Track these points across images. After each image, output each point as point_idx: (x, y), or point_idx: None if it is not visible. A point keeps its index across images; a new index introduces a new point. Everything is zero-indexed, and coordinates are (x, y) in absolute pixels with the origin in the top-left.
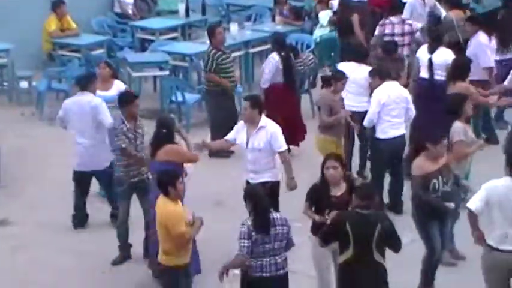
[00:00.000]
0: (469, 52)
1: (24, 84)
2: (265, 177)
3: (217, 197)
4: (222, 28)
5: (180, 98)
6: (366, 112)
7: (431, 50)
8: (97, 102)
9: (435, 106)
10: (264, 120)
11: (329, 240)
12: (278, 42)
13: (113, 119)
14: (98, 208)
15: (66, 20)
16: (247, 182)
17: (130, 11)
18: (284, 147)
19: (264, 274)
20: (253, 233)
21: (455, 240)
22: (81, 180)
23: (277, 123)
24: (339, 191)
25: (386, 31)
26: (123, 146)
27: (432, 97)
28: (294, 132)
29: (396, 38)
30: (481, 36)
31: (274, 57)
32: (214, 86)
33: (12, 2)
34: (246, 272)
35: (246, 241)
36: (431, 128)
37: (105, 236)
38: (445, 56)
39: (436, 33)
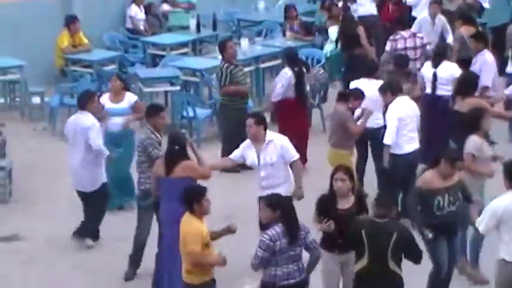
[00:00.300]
0: (473, 69)
1: (36, 99)
2: (281, 191)
3: (227, 210)
4: (233, 43)
5: (191, 113)
6: (379, 128)
7: (435, 65)
8: (88, 124)
9: (438, 121)
10: (270, 134)
11: (347, 250)
12: (291, 57)
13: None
14: (107, 223)
15: (79, 36)
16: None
17: (141, 27)
18: (296, 156)
19: (291, 281)
20: (278, 242)
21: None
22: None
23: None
24: (346, 203)
25: (399, 46)
26: (157, 155)
27: (435, 112)
28: (303, 147)
29: (408, 52)
30: (487, 55)
31: (287, 72)
32: (227, 100)
33: (24, 18)
34: (274, 284)
35: (264, 252)
36: (443, 143)
37: (116, 252)
38: (450, 70)
39: (441, 49)
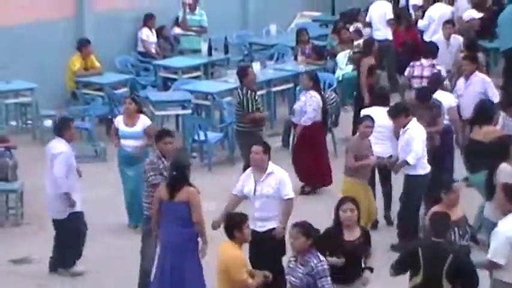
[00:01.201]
0: (469, 90)
1: (48, 122)
2: (273, 224)
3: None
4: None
5: (202, 137)
6: (389, 157)
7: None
8: (56, 152)
9: (440, 152)
10: (272, 166)
11: (400, 269)
12: (317, 80)
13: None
14: (110, 244)
15: (91, 59)
16: (253, 232)
17: (153, 50)
18: (291, 194)
19: None
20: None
21: None
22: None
23: (307, 162)
24: (352, 235)
25: (415, 73)
26: (155, 182)
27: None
28: (326, 172)
29: (423, 81)
30: (481, 74)
31: (316, 96)
32: (251, 126)
33: (36, 41)
34: None
35: (329, 279)
36: (440, 175)
37: (126, 275)
38: (444, 100)
39: (434, 77)
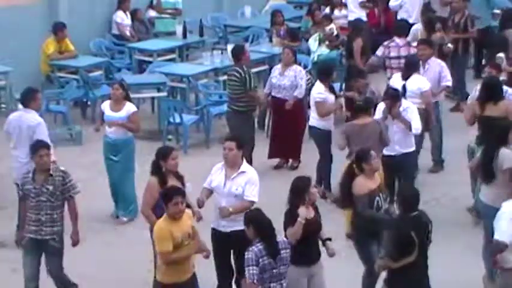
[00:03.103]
0: (427, 74)
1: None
2: (240, 226)
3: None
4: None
5: (177, 119)
6: (407, 154)
7: (406, 77)
8: (35, 122)
9: None
10: (246, 165)
11: (402, 254)
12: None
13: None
14: (96, 230)
15: (65, 43)
16: (214, 230)
17: (128, 33)
18: (253, 198)
19: None
20: (261, 259)
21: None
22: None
23: (288, 137)
24: (311, 213)
25: (392, 54)
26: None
27: None
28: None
29: (402, 61)
30: (437, 60)
31: (302, 71)
32: (245, 106)
33: (10, 24)
34: None
35: (254, 267)
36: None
37: (102, 259)
38: (419, 83)
39: (411, 60)
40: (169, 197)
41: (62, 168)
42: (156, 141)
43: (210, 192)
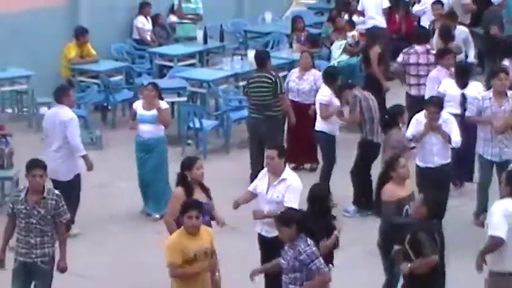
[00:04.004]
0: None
1: (44, 110)
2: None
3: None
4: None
5: (197, 124)
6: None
7: (463, 85)
8: (66, 119)
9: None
10: (288, 172)
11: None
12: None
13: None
14: (114, 233)
15: (87, 47)
16: (260, 236)
17: (148, 38)
18: (292, 205)
19: None
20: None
21: None
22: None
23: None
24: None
25: (411, 60)
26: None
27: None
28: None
29: (420, 68)
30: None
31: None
32: (279, 110)
33: (32, 29)
34: None
35: (321, 259)
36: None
37: (120, 262)
38: (478, 89)
39: (465, 68)
40: (184, 209)
41: (57, 191)
42: (176, 146)
43: (252, 196)
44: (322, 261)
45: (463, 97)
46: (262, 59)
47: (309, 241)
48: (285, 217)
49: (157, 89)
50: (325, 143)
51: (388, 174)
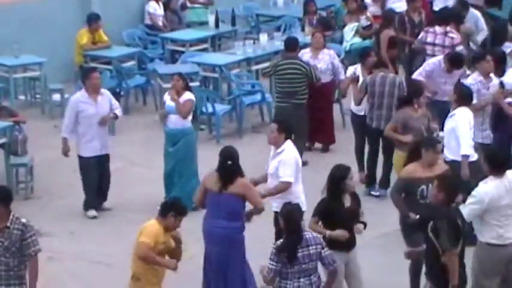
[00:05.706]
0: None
1: (56, 96)
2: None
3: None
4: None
5: (210, 109)
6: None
7: (500, 73)
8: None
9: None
10: (284, 146)
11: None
12: None
13: None
14: (129, 220)
15: (99, 34)
16: (275, 213)
17: (160, 23)
18: (287, 179)
19: None
20: (282, 253)
21: None
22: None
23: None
24: (347, 202)
25: (428, 39)
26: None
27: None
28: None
29: (436, 49)
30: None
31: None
32: (304, 98)
33: (44, 15)
34: None
35: (274, 263)
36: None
37: None
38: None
39: (499, 54)
40: (181, 213)
41: (24, 220)
42: None
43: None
44: (271, 266)
45: (502, 85)
46: (291, 44)
47: (278, 241)
48: (280, 210)
49: (184, 79)
50: (354, 123)
51: (412, 159)
